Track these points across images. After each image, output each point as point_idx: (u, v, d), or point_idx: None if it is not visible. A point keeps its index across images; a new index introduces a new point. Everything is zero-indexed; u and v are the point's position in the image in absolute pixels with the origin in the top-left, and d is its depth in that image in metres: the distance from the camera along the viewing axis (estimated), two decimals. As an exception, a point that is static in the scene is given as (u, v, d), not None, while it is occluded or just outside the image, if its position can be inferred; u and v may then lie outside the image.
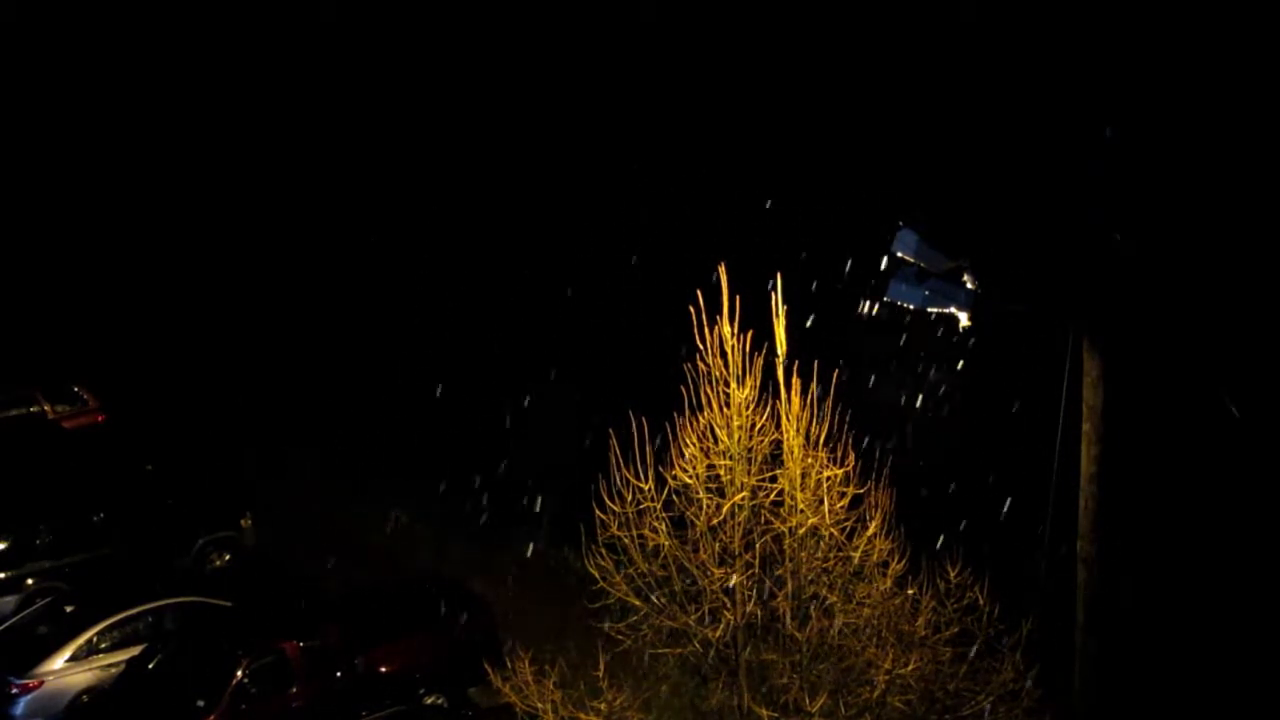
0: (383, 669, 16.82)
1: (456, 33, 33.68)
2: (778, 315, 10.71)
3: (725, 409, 10.85)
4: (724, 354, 10.77)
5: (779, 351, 10.79)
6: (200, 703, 15.56)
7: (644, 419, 10.74)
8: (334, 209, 31.58)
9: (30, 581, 19.22)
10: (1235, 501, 17.55)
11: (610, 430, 10.86)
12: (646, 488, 10.97)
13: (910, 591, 11.42)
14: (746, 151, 27.73)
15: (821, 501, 10.90)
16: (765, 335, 10.77)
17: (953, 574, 11.50)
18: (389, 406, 25.53)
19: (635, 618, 11.44)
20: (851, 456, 11.02)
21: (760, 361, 10.75)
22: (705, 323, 10.70)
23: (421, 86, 33.20)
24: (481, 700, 16.74)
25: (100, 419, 24.75)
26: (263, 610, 17.68)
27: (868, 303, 21.32)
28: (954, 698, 11.41)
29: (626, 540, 11.13)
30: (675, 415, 10.98)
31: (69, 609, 17.74)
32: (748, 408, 10.83)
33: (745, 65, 28.75)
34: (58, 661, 16.89)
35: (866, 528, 11.10)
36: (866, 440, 11.27)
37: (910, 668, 11.06)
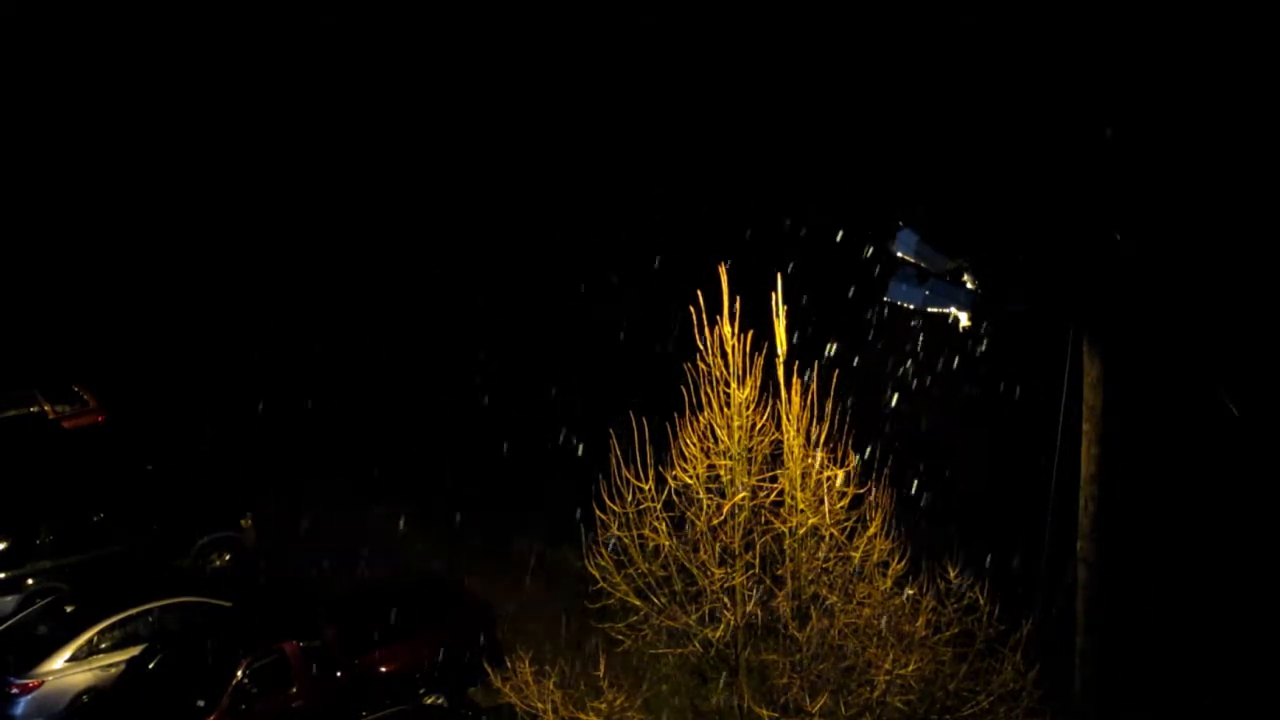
0: (383, 669, 16.81)
1: (457, 34, 33.68)
2: (778, 315, 10.71)
3: (725, 409, 10.85)
4: (724, 354, 10.77)
5: (779, 351, 10.79)
6: (200, 703, 15.55)
7: (644, 419, 10.74)
8: (331, 208, 31.58)
9: (31, 581, 19.22)
10: (1235, 501, 17.55)
11: (610, 430, 10.86)
12: (647, 488, 10.97)
13: (910, 591, 11.42)
14: (747, 151, 27.73)
15: (822, 501, 10.90)
16: (765, 335, 10.77)
17: (953, 574, 11.51)
18: (389, 406, 25.53)
19: (636, 618, 11.44)
20: (852, 456, 11.03)
21: (760, 361, 10.76)
22: (705, 323, 10.70)
23: (423, 89, 33.20)
24: (481, 700, 16.73)
25: (100, 419, 24.74)
26: (263, 610, 17.67)
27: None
28: (954, 698, 11.41)
29: (627, 540, 11.13)
30: (675, 415, 10.98)
31: (69, 609, 17.74)
32: (748, 408, 10.83)
33: (745, 65, 28.75)
34: (58, 661, 16.89)
35: (867, 528, 11.11)
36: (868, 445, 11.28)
37: (910, 668, 11.06)
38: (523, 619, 18.41)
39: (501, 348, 26.39)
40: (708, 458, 10.94)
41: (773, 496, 11.02)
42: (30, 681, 16.71)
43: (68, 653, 16.98)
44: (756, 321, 10.76)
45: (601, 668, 11.83)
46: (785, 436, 10.84)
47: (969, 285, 12.31)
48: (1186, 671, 16.08)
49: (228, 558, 20.87)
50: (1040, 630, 12.10)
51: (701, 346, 10.76)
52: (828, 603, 11.15)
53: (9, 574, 19.18)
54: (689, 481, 10.95)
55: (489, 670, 12.94)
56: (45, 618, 17.81)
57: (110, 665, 17.03)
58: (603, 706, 11.70)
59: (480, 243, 29.55)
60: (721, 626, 11.06)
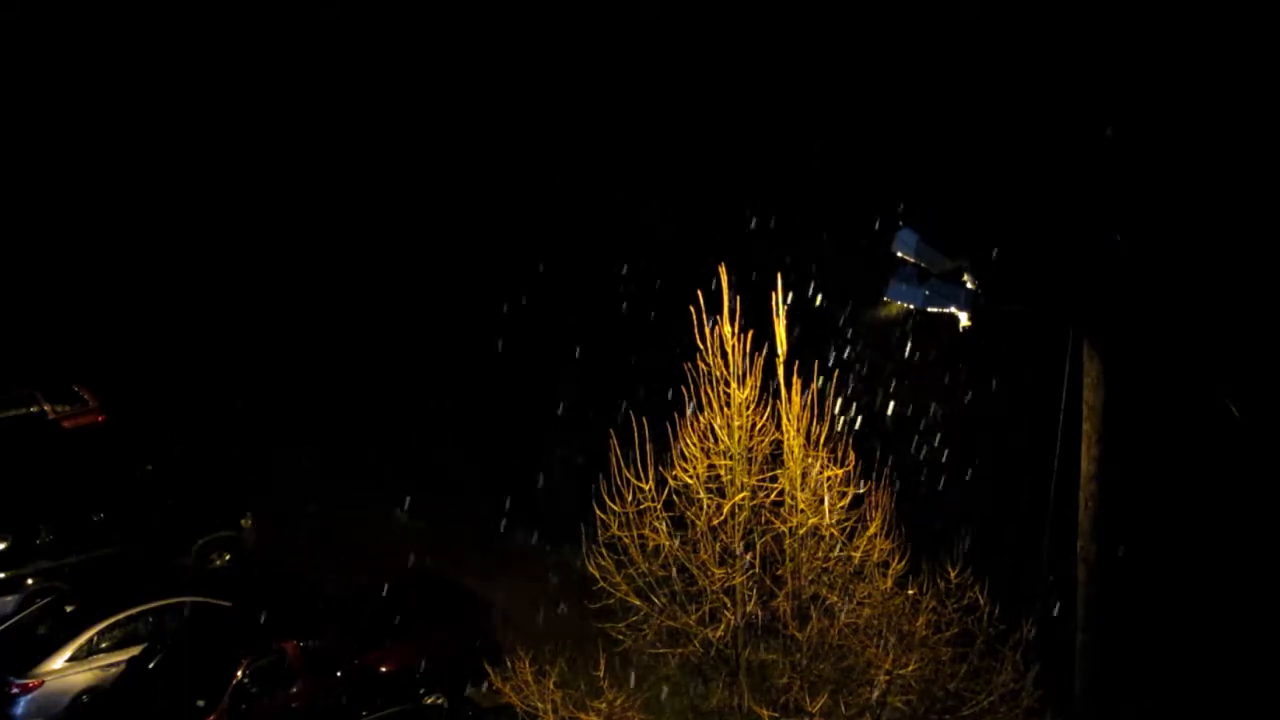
0: (383, 669, 16.82)
1: (457, 33, 33.67)
2: (778, 315, 10.71)
3: (725, 409, 10.85)
4: (724, 354, 10.77)
5: (779, 351, 10.79)
6: (200, 703, 15.57)
7: (644, 419, 10.74)
8: (334, 211, 31.58)
9: (30, 581, 19.22)
10: (1235, 501, 17.54)
11: (610, 430, 10.86)
12: (647, 488, 10.97)
13: (910, 591, 11.42)
14: (746, 151, 27.72)
15: (822, 501, 10.90)
16: (765, 335, 10.77)
17: (953, 574, 11.51)
18: (389, 406, 25.54)
19: (636, 618, 11.44)
20: (852, 456, 11.03)
21: (760, 361, 10.76)
22: (705, 323, 10.70)
23: (423, 88, 33.18)
24: (481, 700, 16.73)
25: (100, 419, 24.74)
26: (263, 610, 17.68)
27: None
28: (954, 698, 11.41)
29: (627, 540, 11.14)
30: (675, 415, 10.98)
31: (69, 609, 17.74)
32: (748, 408, 10.84)
33: (745, 65, 28.75)
34: (58, 661, 16.89)
35: (867, 527, 11.11)
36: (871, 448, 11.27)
37: (910, 668, 11.06)
38: (523, 619, 18.41)
39: (501, 348, 26.39)
40: (708, 458, 10.94)
41: (773, 496, 11.02)
42: (30, 681, 16.71)
43: (68, 653, 16.99)
44: (756, 322, 10.76)
45: (601, 668, 11.83)
46: (785, 436, 10.84)
47: (969, 285, 12.31)
48: (1186, 671, 16.08)
49: (228, 558, 20.87)
50: (1040, 630, 12.10)
51: (701, 346, 10.76)
52: (828, 603, 11.16)
53: (9, 574, 19.18)
54: (689, 481, 10.96)
55: (489, 670, 12.95)
56: (45, 618, 17.82)
57: (110, 665, 17.04)
58: (603, 706, 11.69)
59: (479, 242, 29.54)
60: (721, 626, 11.06)
